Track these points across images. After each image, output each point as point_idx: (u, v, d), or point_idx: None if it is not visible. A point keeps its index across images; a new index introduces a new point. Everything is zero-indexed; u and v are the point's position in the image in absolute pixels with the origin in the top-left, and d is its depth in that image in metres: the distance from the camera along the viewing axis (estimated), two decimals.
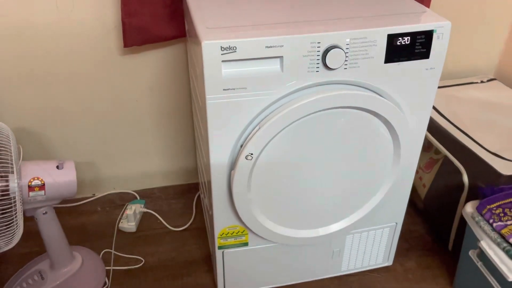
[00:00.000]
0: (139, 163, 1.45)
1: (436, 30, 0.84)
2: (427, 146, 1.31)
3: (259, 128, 0.85)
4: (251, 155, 0.87)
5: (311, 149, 0.91)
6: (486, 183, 1.08)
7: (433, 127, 1.27)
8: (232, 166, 0.90)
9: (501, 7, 1.43)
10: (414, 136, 0.97)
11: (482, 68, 1.54)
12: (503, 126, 1.24)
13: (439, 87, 1.43)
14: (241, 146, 0.89)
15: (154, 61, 1.26)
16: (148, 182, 1.50)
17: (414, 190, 1.38)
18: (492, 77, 1.50)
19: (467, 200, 1.15)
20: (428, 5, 1.21)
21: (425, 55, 0.86)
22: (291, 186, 0.95)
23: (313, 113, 0.85)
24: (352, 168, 0.96)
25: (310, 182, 0.96)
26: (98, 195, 1.47)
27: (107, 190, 1.48)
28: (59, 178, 0.97)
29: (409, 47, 0.84)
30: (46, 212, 1.02)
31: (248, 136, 0.87)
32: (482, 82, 1.47)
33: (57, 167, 0.98)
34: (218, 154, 0.89)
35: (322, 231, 1.04)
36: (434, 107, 1.33)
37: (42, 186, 0.95)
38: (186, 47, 1.26)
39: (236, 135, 0.87)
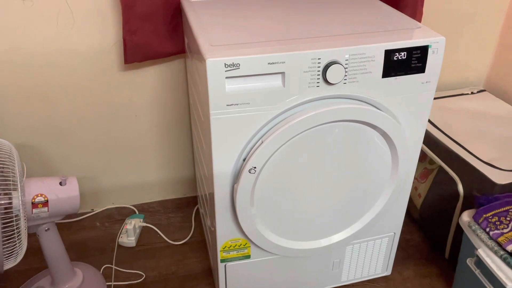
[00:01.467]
0: (137, 178, 1.46)
1: (431, 45, 0.87)
2: (421, 156, 1.34)
3: (262, 142, 0.87)
4: (255, 169, 0.88)
5: (312, 161, 0.93)
6: (481, 193, 1.11)
7: (427, 138, 1.30)
8: (235, 179, 0.92)
9: (489, 21, 1.48)
10: (411, 147, 1.00)
11: (472, 79, 1.59)
12: (494, 136, 1.27)
13: None
14: (244, 160, 0.90)
15: (153, 77, 1.28)
16: (147, 196, 1.50)
17: (409, 200, 1.40)
18: (482, 88, 1.54)
19: (462, 209, 1.18)
20: (420, 20, 1.24)
21: (421, 69, 0.89)
22: (293, 198, 0.96)
23: (314, 126, 0.87)
24: (352, 179, 0.98)
25: (312, 194, 0.97)
26: (97, 210, 1.47)
27: (106, 205, 1.48)
28: (62, 194, 0.98)
29: (405, 62, 0.87)
30: (48, 229, 1.02)
31: (251, 150, 0.89)
32: (472, 93, 1.51)
33: (60, 183, 0.99)
34: (221, 168, 0.90)
35: (324, 242, 1.05)
36: None
37: (45, 203, 0.95)
38: (186, 62, 1.28)
39: (239, 149, 0.89)
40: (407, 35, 0.89)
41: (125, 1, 1.05)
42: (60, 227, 1.39)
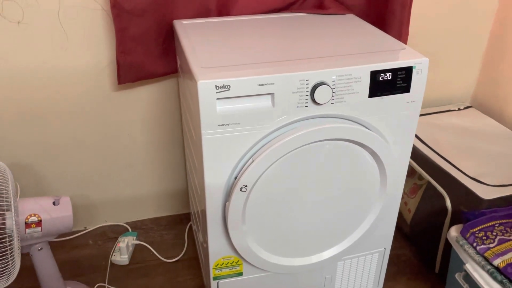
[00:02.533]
0: (130, 195, 1.46)
1: (416, 66, 0.91)
2: (410, 172, 1.36)
3: (253, 161, 0.89)
4: (246, 187, 0.90)
5: (303, 179, 0.95)
6: (468, 208, 1.13)
7: (416, 154, 1.33)
8: (227, 197, 0.94)
9: (474, 39, 1.52)
10: (399, 164, 1.02)
11: (459, 96, 1.63)
12: (481, 151, 1.30)
13: (419, 115, 1.50)
14: (236, 178, 0.92)
15: (146, 96, 1.30)
16: (140, 214, 1.51)
17: (400, 215, 1.42)
18: (469, 104, 1.58)
19: (451, 224, 1.20)
20: (405, 40, 1.28)
21: (406, 89, 0.92)
22: (284, 215, 0.98)
23: (303, 145, 0.90)
24: (342, 196, 1.00)
25: (303, 211, 0.99)
26: (90, 228, 1.47)
27: (99, 223, 1.48)
28: (56, 213, 0.99)
29: (391, 82, 0.90)
30: (41, 248, 1.02)
31: (242, 168, 0.91)
32: (459, 109, 1.55)
33: (54, 203, 1.00)
34: (213, 186, 0.92)
35: (315, 258, 1.07)
36: (415, 135, 1.40)
37: (38, 223, 0.96)
38: (178, 82, 1.31)
39: (230, 168, 0.91)
40: (392, 56, 0.92)
41: (118, 23, 1.08)
42: (53, 245, 1.39)
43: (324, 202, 1.00)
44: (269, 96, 0.86)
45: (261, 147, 0.90)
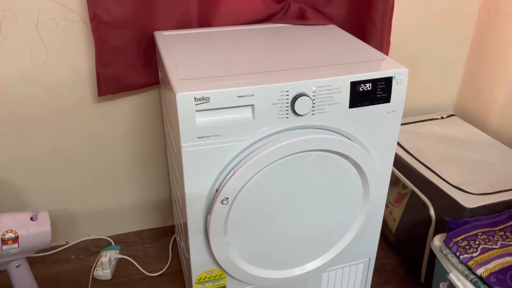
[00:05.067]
0: (113, 208, 1.44)
1: (395, 76, 0.91)
2: (394, 181, 1.36)
3: (234, 173, 0.88)
4: (227, 200, 0.89)
5: (284, 190, 0.94)
6: (452, 217, 1.13)
7: (399, 163, 1.33)
8: (209, 210, 0.92)
9: (456, 48, 1.54)
10: (381, 174, 1.02)
11: (442, 104, 1.64)
12: (464, 160, 1.31)
13: (403, 124, 1.51)
14: (217, 190, 0.91)
15: (128, 108, 1.29)
16: (123, 227, 1.49)
17: (385, 224, 1.42)
18: (452, 113, 1.59)
19: (435, 233, 1.20)
20: (387, 50, 1.29)
21: (386, 99, 0.92)
22: (266, 228, 0.97)
23: (284, 157, 0.89)
24: (324, 207, 1.00)
25: (285, 223, 0.98)
26: (72, 242, 1.44)
27: (81, 237, 1.46)
28: (33, 229, 0.97)
29: (371, 93, 0.90)
30: (19, 265, 1.00)
31: (223, 180, 0.90)
32: (442, 118, 1.56)
33: (31, 218, 0.98)
34: (194, 199, 0.91)
35: (298, 270, 1.06)
36: (399, 144, 1.40)
37: (15, 239, 0.94)
38: (160, 93, 1.30)
39: (211, 180, 0.90)
40: (372, 67, 0.92)
41: (97, 35, 1.06)
42: (33, 260, 1.36)
43: (308, 213, 0.99)
44: (249, 107, 0.85)
45: (242, 159, 0.89)
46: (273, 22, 1.22)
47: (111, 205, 1.43)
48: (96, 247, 1.43)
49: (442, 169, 1.26)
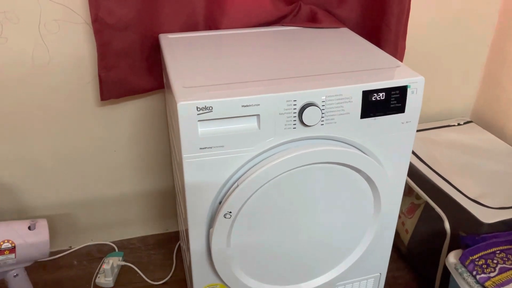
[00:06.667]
0: (117, 213, 1.41)
1: (410, 85, 0.85)
2: (408, 191, 1.31)
3: (238, 185, 0.84)
4: (230, 213, 0.85)
5: (292, 204, 0.89)
6: (468, 232, 1.08)
7: (413, 172, 1.27)
8: (211, 223, 0.88)
9: (474, 52, 1.47)
10: (394, 187, 0.96)
11: (458, 110, 1.57)
12: (481, 170, 1.25)
13: (417, 131, 1.45)
14: (220, 203, 0.87)
15: (132, 112, 1.25)
16: (127, 232, 1.46)
17: (397, 235, 1.36)
18: (469, 119, 1.53)
19: (450, 248, 1.14)
20: (402, 55, 1.23)
21: (401, 109, 0.87)
22: (272, 242, 0.93)
23: (291, 169, 0.84)
24: (334, 220, 0.95)
25: (292, 237, 0.94)
26: (75, 247, 1.42)
27: (84, 242, 1.43)
28: (31, 239, 0.94)
29: (384, 103, 0.85)
30: (17, 275, 0.97)
31: (226, 193, 0.86)
32: (459, 124, 1.50)
33: (29, 227, 0.95)
34: (196, 211, 0.87)
35: (305, 286, 1.01)
36: (412, 152, 1.34)
37: (12, 249, 0.91)
38: (165, 97, 1.26)
39: (214, 192, 0.85)
40: (385, 75, 0.87)
41: (100, 38, 1.03)
42: (35, 265, 1.32)
43: (315, 228, 0.94)
44: (255, 117, 0.81)
45: (246, 171, 0.85)
46: (283, 25, 1.17)
47: (115, 210, 1.40)
48: (99, 252, 1.40)
49: (458, 180, 1.20)
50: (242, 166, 0.84)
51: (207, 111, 0.77)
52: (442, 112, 1.55)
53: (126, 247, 1.43)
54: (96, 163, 1.31)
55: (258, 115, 0.80)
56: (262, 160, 0.84)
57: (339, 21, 1.17)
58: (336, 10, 1.19)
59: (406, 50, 1.25)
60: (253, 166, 0.84)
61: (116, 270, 1.30)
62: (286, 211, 0.90)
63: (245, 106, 0.79)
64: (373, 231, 0.99)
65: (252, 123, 0.81)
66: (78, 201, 1.36)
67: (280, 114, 0.81)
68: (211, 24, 1.14)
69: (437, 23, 1.38)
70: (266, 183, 0.84)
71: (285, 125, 0.82)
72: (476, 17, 1.41)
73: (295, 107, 0.81)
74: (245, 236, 0.90)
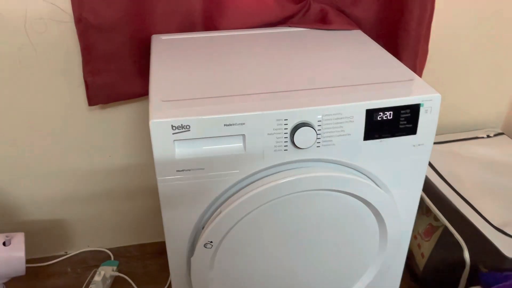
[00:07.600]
0: (113, 220, 1.35)
1: (424, 103, 0.73)
2: (425, 211, 1.18)
3: (220, 212, 0.74)
4: (211, 243, 0.76)
5: (282, 234, 0.79)
6: (489, 265, 0.95)
7: (431, 190, 1.14)
8: (192, 250, 0.80)
9: (507, 53, 1.31)
10: (403, 217, 0.85)
11: (488, 120, 1.42)
12: (510, 192, 1.11)
13: (439, 143, 1.31)
14: (203, 228, 0.78)
15: (126, 115, 1.17)
16: (124, 239, 1.39)
17: (412, 257, 1.24)
18: (500, 131, 1.37)
19: (469, 280, 1.02)
20: (424, 59, 1.10)
21: (412, 130, 0.75)
22: (260, 275, 0.83)
23: (280, 197, 0.74)
24: (330, 252, 0.84)
25: (285, 271, 0.84)
26: (71, 253, 1.37)
27: (81, 248, 1.38)
28: (5, 255, 0.88)
29: (392, 123, 0.74)
30: None
31: (209, 218, 0.77)
32: (488, 136, 1.35)
33: (4, 243, 0.89)
34: (175, 237, 0.78)
35: None
36: (432, 166, 1.21)
37: None
38: None
39: (195, 218, 0.77)
40: (395, 90, 0.75)
41: (84, 40, 0.95)
42: (28, 271, 1.29)
43: (311, 258, 0.84)
44: (240, 137, 0.71)
45: (232, 194, 0.75)
46: (290, 26, 1.06)
47: (111, 216, 1.34)
48: (94, 260, 1.35)
49: (482, 204, 1.07)
50: (226, 191, 0.74)
51: (183, 130, 0.68)
52: (469, 121, 1.40)
53: (122, 255, 1.37)
54: (90, 168, 1.24)
55: (243, 135, 0.70)
56: (248, 184, 0.74)
57: (352, 22, 1.05)
58: (349, 9, 1.06)
59: (429, 52, 1.12)
60: (238, 191, 0.74)
61: (108, 282, 1.24)
62: (275, 242, 0.80)
63: (228, 125, 0.69)
64: (379, 262, 0.88)
65: (236, 144, 0.71)
66: (73, 207, 1.30)
67: (268, 134, 0.71)
68: (210, 24, 1.04)
69: (465, 20, 1.23)
70: (253, 210, 0.75)
71: (275, 146, 0.72)
72: (510, 14, 1.24)
73: (286, 126, 0.70)
74: (229, 268, 0.80)
